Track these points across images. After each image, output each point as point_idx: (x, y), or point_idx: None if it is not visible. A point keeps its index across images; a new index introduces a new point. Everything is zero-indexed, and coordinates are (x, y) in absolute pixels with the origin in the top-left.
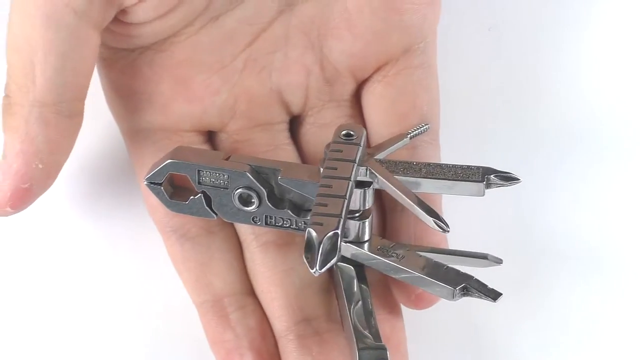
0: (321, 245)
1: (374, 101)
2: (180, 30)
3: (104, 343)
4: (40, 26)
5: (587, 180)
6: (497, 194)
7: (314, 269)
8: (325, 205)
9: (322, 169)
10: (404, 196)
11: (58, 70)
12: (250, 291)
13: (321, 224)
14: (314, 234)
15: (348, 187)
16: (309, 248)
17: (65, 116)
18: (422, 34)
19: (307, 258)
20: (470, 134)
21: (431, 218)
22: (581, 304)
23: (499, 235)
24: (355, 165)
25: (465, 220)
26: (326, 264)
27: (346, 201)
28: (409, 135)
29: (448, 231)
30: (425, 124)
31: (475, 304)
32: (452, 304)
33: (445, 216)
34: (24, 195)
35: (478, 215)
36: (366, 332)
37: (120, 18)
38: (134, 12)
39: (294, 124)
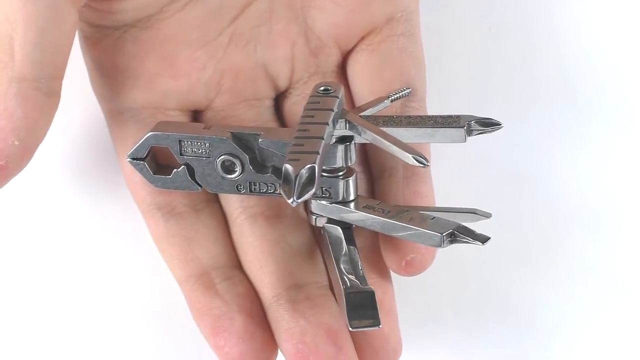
0: (298, 177)
1: (359, 69)
2: (165, 7)
3: (95, 328)
4: (19, 1)
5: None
6: (493, 153)
7: (291, 199)
8: (302, 145)
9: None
10: (383, 140)
11: (37, 45)
12: (237, 265)
13: (298, 160)
14: (290, 168)
15: (325, 130)
16: (286, 181)
17: (43, 93)
18: (404, 1)
19: (284, 191)
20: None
21: (410, 154)
22: (577, 260)
23: (493, 194)
24: (333, 113)
25: (456, 185)
26: (303, 195)
27: (323, 141)
28: (389, 98)
29: (428, 165)
30: (407, 88)
31: (466, 265)
32: (444, 269)
33: (435, 176)
34: None
35: (471, 175)
36: (352, 278)
37: None
38: None
39: (280, 101)
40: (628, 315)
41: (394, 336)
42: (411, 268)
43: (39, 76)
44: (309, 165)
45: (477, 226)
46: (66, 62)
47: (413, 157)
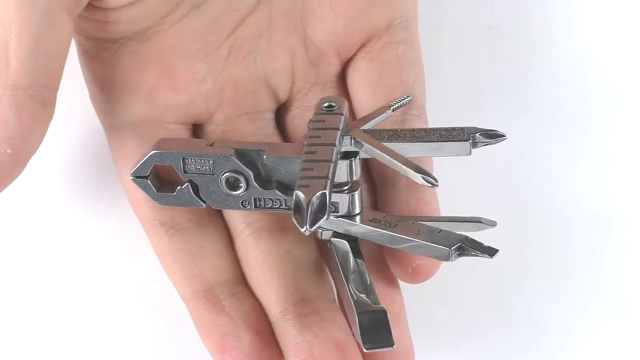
0: (309, 205)
1: (359, 78)
2: (161, 19)
3: (93, 343)
4: (14, 7)
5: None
6: (492, 154)
7: (304, 228)
8: (311, 169)
9: (305, 140)
10: (390, 158)
11: (32, 53)
12: (243, 281)
13: (308, 186)
14: (301, 195)
15: (333, 151)
16: (298, 209)
17: (38, 102)
18: (403, 7)
19: (296, 219)
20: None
21: (419, 175)
22: (578, 265)
23: (495, 205)
24: (339, 132)
25: (459, 190)
26: (316, 223)
27: (332, 165)
28: (391, 108)
29: (437, 185)
30: (407, 96)
31: (471, 272)
32: (449, 276)
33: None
34: None
35: (472, 183)
36: (364, 297)
37: (96, 4)
38: None
39: (281, 113)
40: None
41: (404, 341)
42: (418, 275)
43: (33, 84)
44: (319, 193)
45: (481, 234)
46: (61, 72)
47: (422, 177)
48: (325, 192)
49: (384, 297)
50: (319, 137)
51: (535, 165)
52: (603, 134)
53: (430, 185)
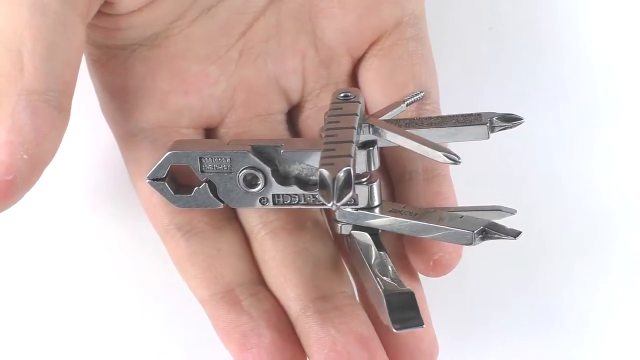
0: (335, 181)
1: (371, 76)
2: (171, 24)
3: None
4: (27, 13)
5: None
6: (493, 153)
7: (331, 203)
8: (333, 149)
9: (323, 131)
10: (410, 140)
11: (46, 58)
12: (261, 281)
13: (332, 164)
14: (326, 172)
15: (354, 134)
16: (323, 186)
17: (53, 107)
18: (411, 4)
19: (322, 195)
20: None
21: (440, 153)
22: (589, 257)
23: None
24: (358, 117)
25: (474, 179)
26: (342, 198)
27: (354, 145)
28: (405, 102)
29: (460, 162)
30: (420, 92)
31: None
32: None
33: (453, 175)
34: (7, 188)
35: (487, 172)
36: (389, 280)
37: (106, 11)
38: (119, 3)
39: (294, 114)
40: None
41: (428, 336)
42: (439, 267)
43: (49, 89)
44: (345, 168)
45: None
46: (75, 78)
47: (444, 154)
48: (349, 169)
49: None
50: (338, 122)
51: (535, 165)
52: (605, 132)
53: (452, 162)
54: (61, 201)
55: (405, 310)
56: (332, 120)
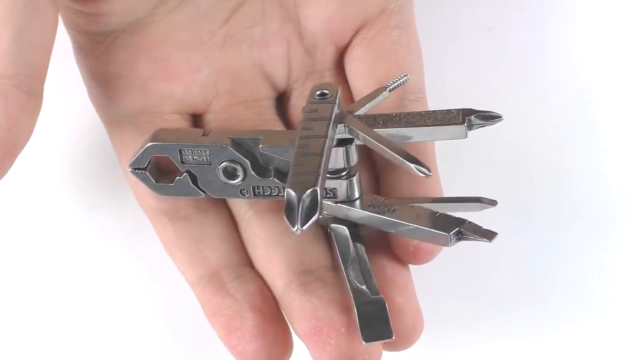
0: (301, 203)
1: (356, 64)
2: (153, 10)
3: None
4: None
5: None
6: (492, 153)
7: (296, 227)
8: (302, 164)
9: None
10: (383, 147)
11: (15, 42)
12: (248, 262)
13: (299, 183)
14: (292, 193)
15: (324, 144)
16: (289, 208)
17: (23, 92)
18: None
19: (288, 217)
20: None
21: (412, 164)
22: (579, 248)
23: (498, 181)
24: (331, 122)
25: (461, 169)
26: (307, 221)
27: (323, 157)
28: (388, 88)
29: (430, 175)
30: (405, 75)
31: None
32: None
33: (441, 166)
34: None
35: (475, 162)
36: (363, 288)
37: None
38: None
39: (283, 102)
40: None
41: (411, 312)
42: (420, 254)
43: (18, 73)
44: (309, 190)
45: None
46: (47, 63)
47: (415, 167)
48: (316, 189)
49: (387, 270)
50: (311, 128)
51: (535, 165)
52: (603, 133)
53: (423, 175)
54: (48, 188)
55: (376, 320)
56: (306, 126)
